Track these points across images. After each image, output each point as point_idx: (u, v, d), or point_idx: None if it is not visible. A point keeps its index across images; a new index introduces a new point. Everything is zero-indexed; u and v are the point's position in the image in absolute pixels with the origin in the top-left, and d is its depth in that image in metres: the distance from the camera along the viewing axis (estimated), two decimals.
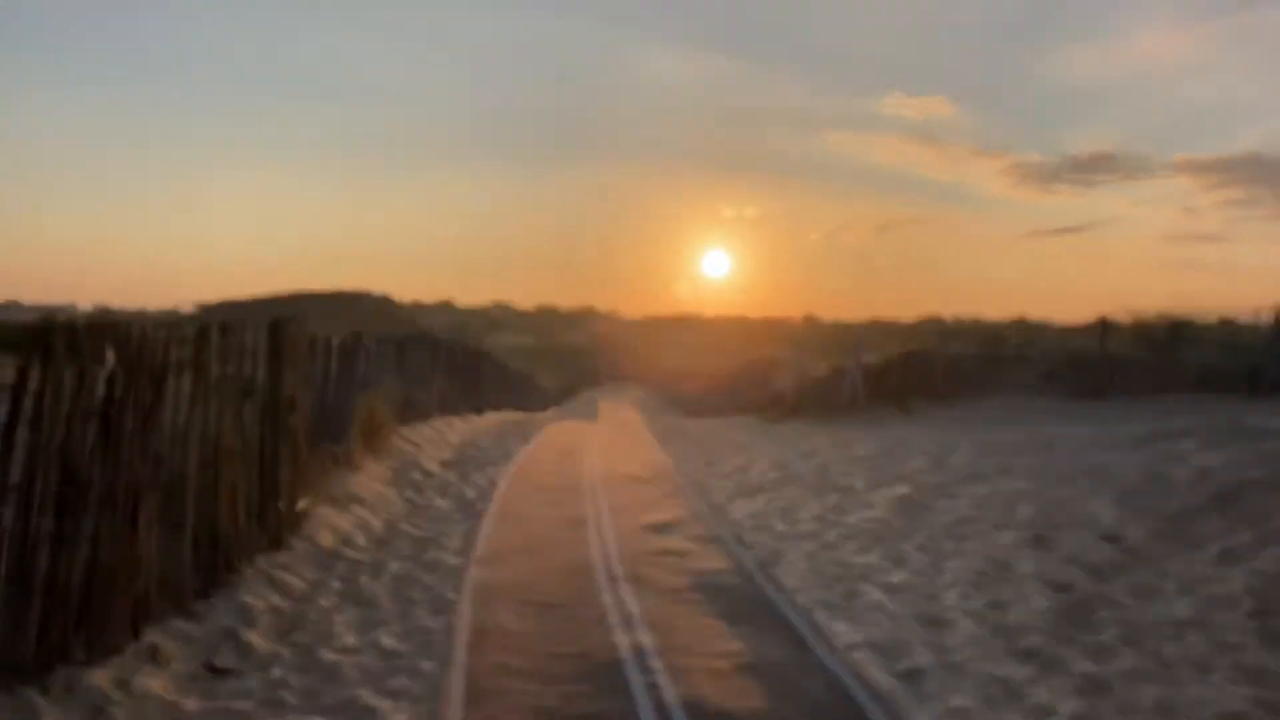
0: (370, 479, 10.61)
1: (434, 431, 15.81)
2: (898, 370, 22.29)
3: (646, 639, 6.24)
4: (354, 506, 9.30)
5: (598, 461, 14.79)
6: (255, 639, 6.04)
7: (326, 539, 8.15)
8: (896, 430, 18.54)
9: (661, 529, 9.33)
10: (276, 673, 5.53)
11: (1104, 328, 20.17)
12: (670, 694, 5.26)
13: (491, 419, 22.96)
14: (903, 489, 10.63)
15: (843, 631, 6.30)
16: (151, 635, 5.58)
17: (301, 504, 8.13)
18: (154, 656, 5.44)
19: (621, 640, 6.23)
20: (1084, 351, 20.52)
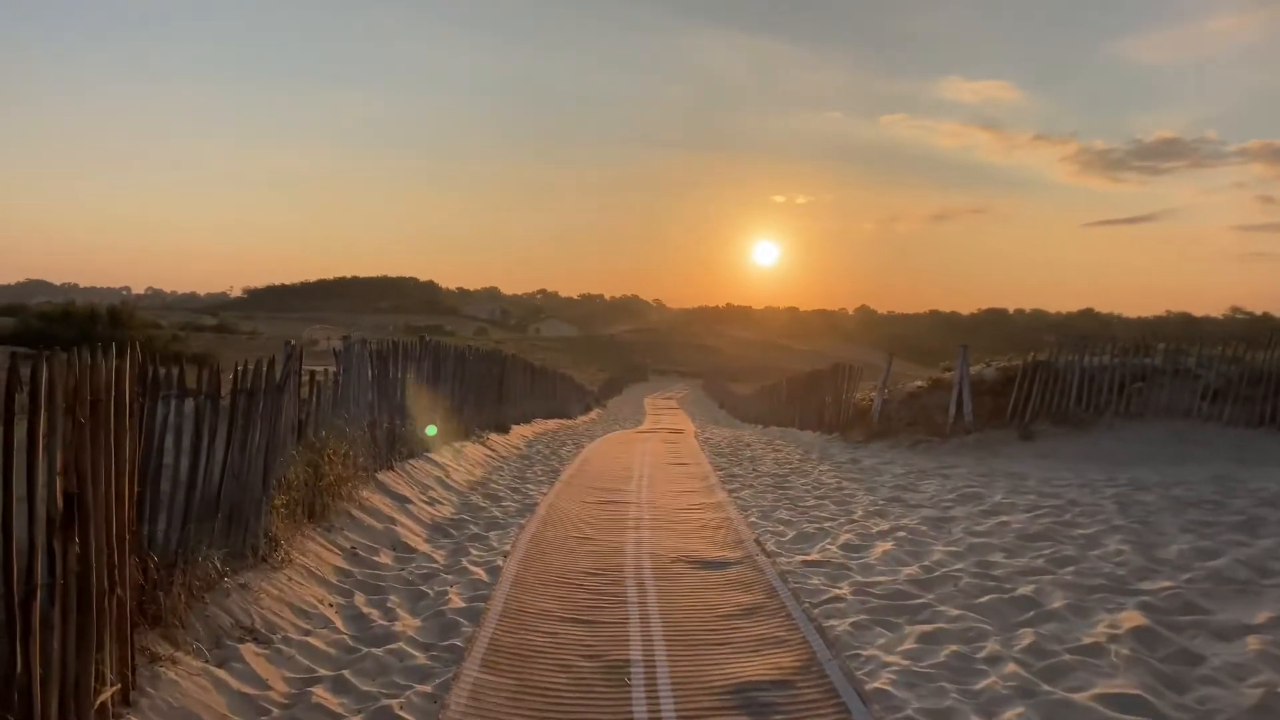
0: (300, 581, 6.89)
1: (434, 470, 12.10)
2: (1020, 386, 18.18)
3: None
4: (245, 652, 5.57)
5: (645, 515, 11.00)
6: None
7: None
8: (1027, 469, 14.51)
9: (760, 707, 5.51)
10: None
11: None
12: None
13: (517, 438, 19.26)
14: (1130, 611, 6.71)
15: None
16: None
17: (106, 692, 4.42)
18: None
19: None
20: (1254, 364, 16.32)
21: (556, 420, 29.99)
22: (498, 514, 10.57)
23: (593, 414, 42.89)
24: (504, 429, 18.96)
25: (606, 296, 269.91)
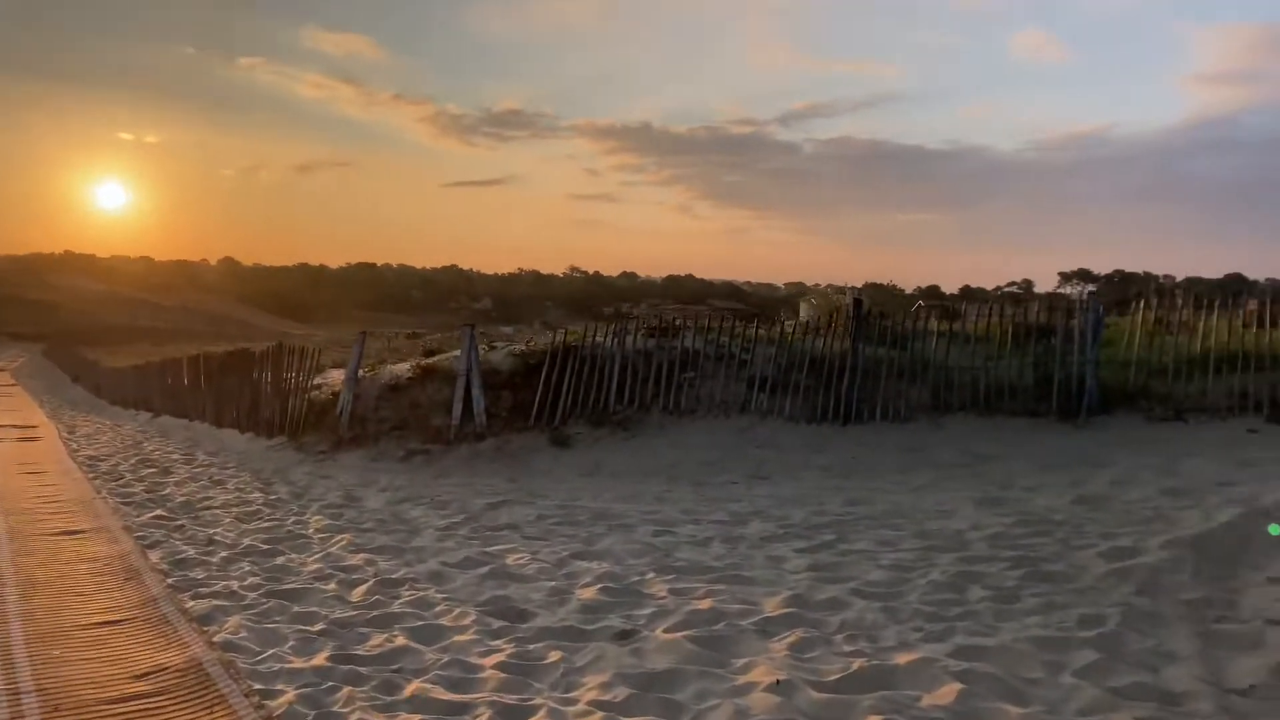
0: None
1: None
2: (548, 377, 14.24)
3: None
4: None
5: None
6: None
7: None
8: (606, 503, 10.55)
9: None
10: None
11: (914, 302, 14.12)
12: None
13: None
14: None
15: None
16: None
17: None
18: None
19: None
20: (813, 351, 14.34)
21: None
22: None
23: None
24: None
25: None
